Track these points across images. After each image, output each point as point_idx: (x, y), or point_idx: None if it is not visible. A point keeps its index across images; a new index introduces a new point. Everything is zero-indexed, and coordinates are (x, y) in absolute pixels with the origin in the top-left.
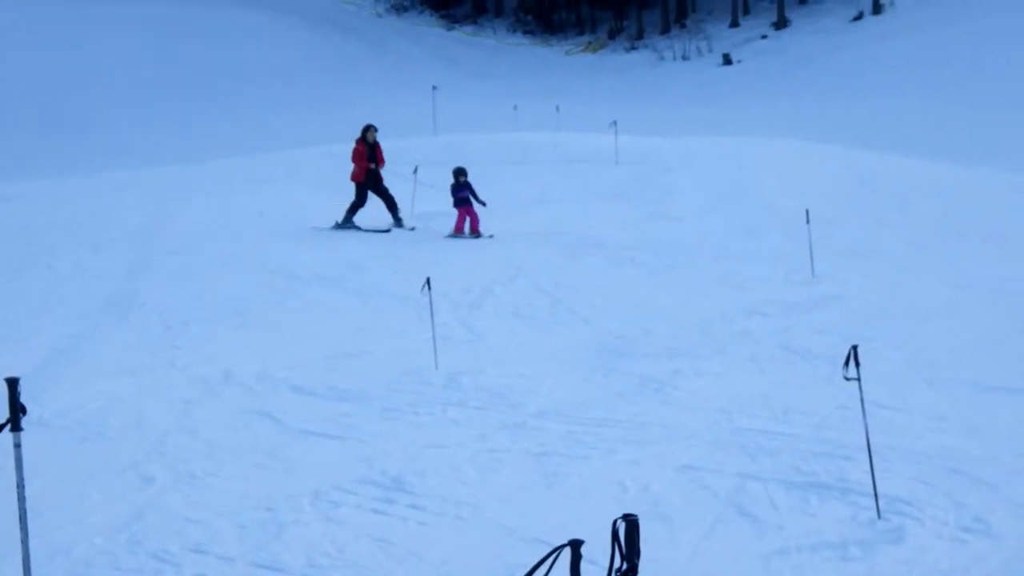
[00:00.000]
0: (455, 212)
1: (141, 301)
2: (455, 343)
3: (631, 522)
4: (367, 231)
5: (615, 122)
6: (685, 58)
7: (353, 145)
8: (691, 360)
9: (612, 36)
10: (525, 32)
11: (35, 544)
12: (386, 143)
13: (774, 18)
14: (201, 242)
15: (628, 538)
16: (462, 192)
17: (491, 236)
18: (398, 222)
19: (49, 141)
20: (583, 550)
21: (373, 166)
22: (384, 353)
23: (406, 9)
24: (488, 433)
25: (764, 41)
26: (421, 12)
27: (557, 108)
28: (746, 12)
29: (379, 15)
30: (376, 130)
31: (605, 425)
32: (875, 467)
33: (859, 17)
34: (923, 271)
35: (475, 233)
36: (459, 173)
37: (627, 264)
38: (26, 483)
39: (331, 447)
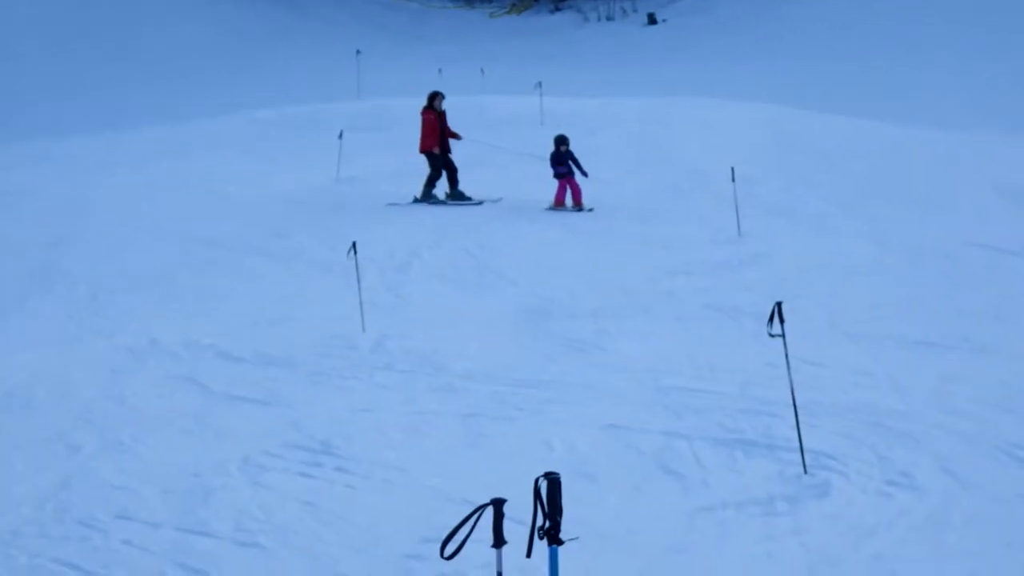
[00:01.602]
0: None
1: (65, 272)
2: (382, 308)
3: (552, 480)
4: (452, 204)
5: (540, 84)
6: (610, 18)
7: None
8: (617, 321)
9: None
10: None
11: None
12: (310, 108)
13: None
14: (124, 213)
15: (550, 496)
16: (563, 162)
17: (591, 210)
18: (456, 195)
19: None
20: (509, 509)
21: (436, 150)
22: (311, 318)
23: None
24: (415, 396)
25: (689, 1)
26: None
27: (482, 71)
28: None
29: None
30: (443, 96)
31: (531, 386)
32: (801, 423)
33: None
34: (847, 230)
35: (577, 206)
36: (560, 141)
37: (553, 226)
38: None
39: (258, 412)
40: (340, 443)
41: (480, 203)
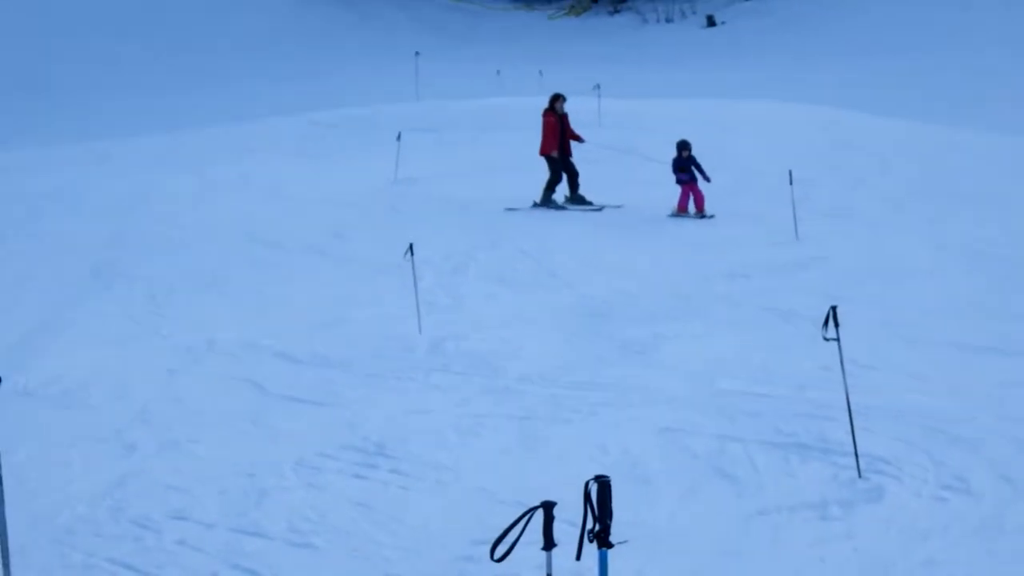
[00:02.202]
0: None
1: (125, 271)
2: (438, 309)
3: (603, 484)
4: (574, 210)
5: (598, 85)
6: (669, 20)
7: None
8: (672, 323)
9: None
10: None
11: (18, 512)
12: (367, 109)
13: None
14: (182, 213)
15: (600, 500)
16: (685, 168)
17: (712, 216)
18: (576, 199)
19: (29, 110)
20: (560, 511)
21: (555, 154)
22: (367, 320)
23: None
24: (470, 398)
25: (748, 2)
26: None
27: (540, 72)
28: None
29: None
30: (565, 99)
31: (586, 388)
32: (857, 427)
33: None
34: (904, 232)
35: (700, 213)
36: (682, 147)
37: (610, 228)
38: (9, 452)
39: (314, 413)
40: (394, 444)
41: (600, 209)
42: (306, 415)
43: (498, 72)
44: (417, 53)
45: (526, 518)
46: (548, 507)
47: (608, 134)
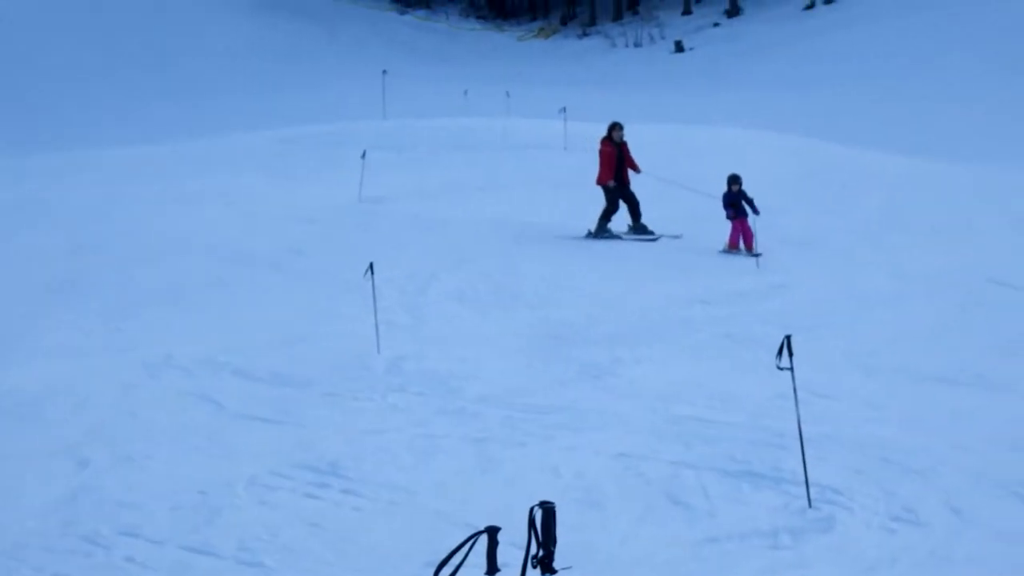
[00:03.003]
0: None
1: (84, 284)
2: (398, 328)
3: (547, 509)
4: (628, 239)
5: (564, 108)
6: (637, 45)
7: (598, 146)
8: (632, 348)
9: (564, 22)
10: (478, 17)
11: None
12: (334, 127)
13: (727, 6)
14: (146, 226)
15: (544, 525)
16: (736, 202)
17: (759, 255)
18: (639, 229)
19: None
20: (511, 535)
21: (612, 184)
22: (327, 338)
23: None
24: (427, 418)
25: (716, 29)
26: None
27: (507, 94)
28: (699, 0)
29: None
30: (622, 128)
31: (543, 411)
32: (810, 456)
33: (811, 6)
34: (867, 262)
35: (749, 250)
36: (732, 181)
37: (573, 251)
38: None
39: (270, 431)
40: (349, 464)
41: (658, 238)
42: (261, 433)
43: (466, 92)
44: (385, 71)
45: (471, 542)
46: (492, 532)
47: (575, 158)
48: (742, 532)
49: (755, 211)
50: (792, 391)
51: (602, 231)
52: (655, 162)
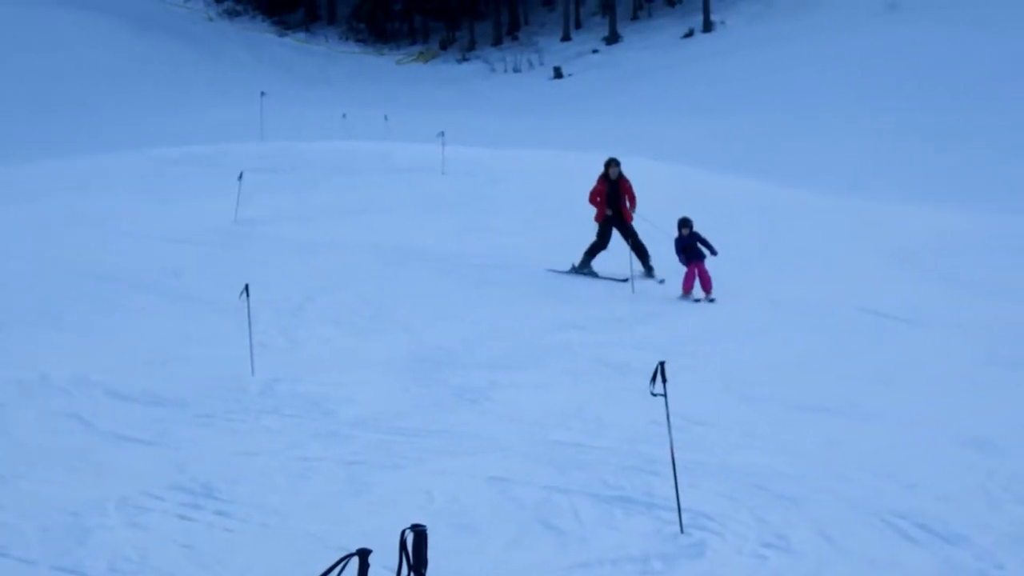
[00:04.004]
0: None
1: None
2: (273, 350)
3: (419, 533)
4: (604, 279)
5: (443, 133)
6: (516, 70)
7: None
8: (509, 372)
9: (444, 46)
10: (357, 40)
11: None
12: (211, 148)
13: (606, 33)
14: (18, 245)
15: (415, 549)
16: (688, 246)
17: (712, 300)
18: (648, 271)
19: None
20: (383, 558)
21: (610, 213)
22: (201, 359)
23: (238, 14)
24: (301, 441)
25: (595, 56)
26: (253, 18)
27: (386, 117)
28: (578, 26)
29: (210, 19)
30: (617, 164)
31: (418, 435)
32: (683, 482)
33: (690, 34)
34: (742, 291)
35: (707, 295)
36: (683, 224)
37: (450, 275)
38: None
39: (143, 452)
40: (222, 486)
41: (625, 281)
42: (134, 453)
43: (344, 115)
44: (263, 93)
45: (342, 564)
46: (364, 554)
47: (453, 182)
48: (614, 557)
49: (712, 252)
50: (666, 417)
51: (585, 266)
52: (531, 188)
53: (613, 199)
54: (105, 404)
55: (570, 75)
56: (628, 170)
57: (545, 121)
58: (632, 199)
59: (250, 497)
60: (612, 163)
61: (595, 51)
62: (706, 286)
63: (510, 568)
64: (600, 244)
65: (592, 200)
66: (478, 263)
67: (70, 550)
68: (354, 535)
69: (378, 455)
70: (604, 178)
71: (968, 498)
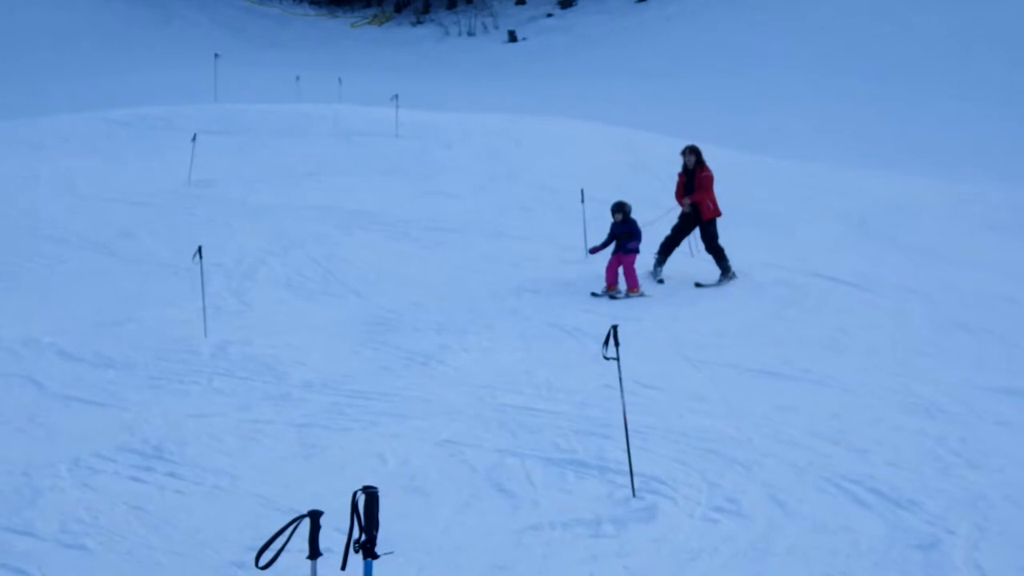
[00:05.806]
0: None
1: None
2: (225, 313)
3: (370, 495)
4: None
5: (396, 96)
6: (471, 34)
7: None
8: (459, 336)
9: (398, 9)
10: (311, 3)
11: None
12: (164, 109)
13: None
14: None
15: (367, 510)
16: (625, 234)
17: (644, 295)
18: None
19: None
20: (333, 520)
21: (688, 209)
22: (153, 321)
23: None
24: (252, 403)
25: (549, 20)
26: None
27: (340, 80)
28: None
29: None
30: (693, 151)
31: (369, 398)
32: (635, 446)
33: None
34: (697, 255)
35: (632, 291)
36: (616, 209)
37: (401, 239)
38: None
39: (94, 414)
40: (173, 448)
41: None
42: (85, 415)
43: (297, 78)
44: (216, 55)
45: (292, 526)
46: (315, 516)
47: (405, 144)
48: (565, 521)
49: (635, 249)
50: (618, 381)
51: (658, 264)
52: (483, 152)
53: (692, 193)
54: (56, 365)
55: (524, 39)
56: (579, 134)
57: (499, 84)
58: (705, 191)
59: (201, 459)
60: (686, 151)
61: (549, 15)
62: (630, 281)
63: (462, 530)
64: (674, 239)
65: (677, 198)
66: (430, 226)
67: (20, 510)
68: (305, 497)
69: (329, 418)
70: (684, 170)
71: (919, 463)
